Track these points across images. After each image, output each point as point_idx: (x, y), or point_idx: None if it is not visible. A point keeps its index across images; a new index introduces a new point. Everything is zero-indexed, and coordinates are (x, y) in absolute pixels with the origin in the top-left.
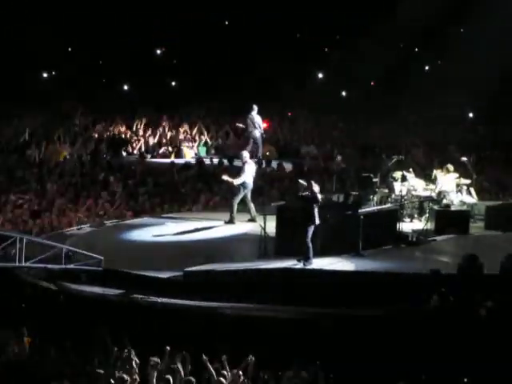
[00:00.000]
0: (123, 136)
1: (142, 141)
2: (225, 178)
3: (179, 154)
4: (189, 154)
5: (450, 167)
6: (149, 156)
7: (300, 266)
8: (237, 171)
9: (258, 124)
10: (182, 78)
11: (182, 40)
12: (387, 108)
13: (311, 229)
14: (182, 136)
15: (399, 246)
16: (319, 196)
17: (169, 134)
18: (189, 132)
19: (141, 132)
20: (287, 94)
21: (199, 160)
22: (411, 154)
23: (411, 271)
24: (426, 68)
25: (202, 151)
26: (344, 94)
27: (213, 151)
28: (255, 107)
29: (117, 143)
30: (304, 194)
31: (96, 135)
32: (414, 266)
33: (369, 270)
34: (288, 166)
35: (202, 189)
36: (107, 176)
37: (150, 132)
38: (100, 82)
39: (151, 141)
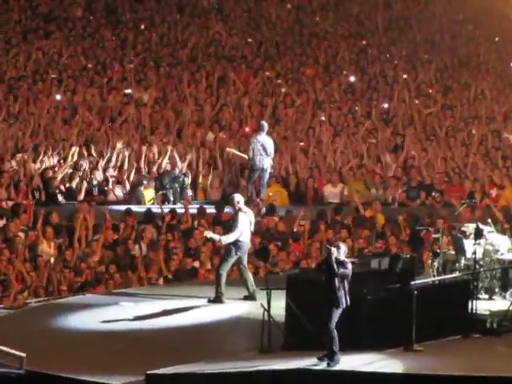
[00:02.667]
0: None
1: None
2: (208, 234)
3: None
4: (148, 196)
5: None
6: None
7: (322, 366)
8: (227, 224)
9: (266, 149)
10: None
11: None
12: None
13: (337, 312)
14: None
15: (472, 337)
16: (349, 265)
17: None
18: (155, 157)
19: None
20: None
21: (170, 209)
22: (489, 197)
23: (491, 374)
24: None
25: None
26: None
27: (189, 193)
28: (265, 125)
29: (45, 181)
30: (328, 260)
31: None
32: (495, 366)
33: (426, 373)
34: (304, 215)
35: (174, 251)
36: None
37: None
38: None
39: (98, 175)
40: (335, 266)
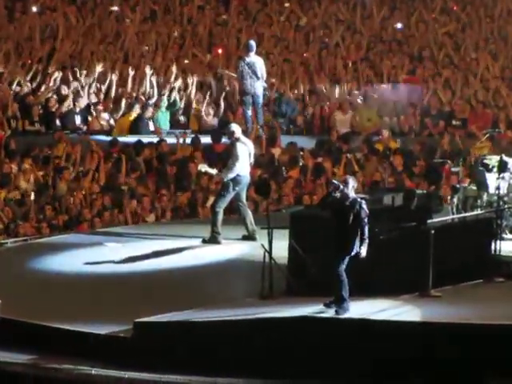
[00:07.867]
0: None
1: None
2: (203, 168)
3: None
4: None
5: None
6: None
7: (329, 313)
8: (223, 156)
9: (256, 72)
10: None
11: None
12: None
13: (347, 257)
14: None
15: (494, 281)
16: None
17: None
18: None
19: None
20: None
21: (160, 138)
22: None
23: None
24: None
25: (164, 119)
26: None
27: (182, 119)
28: (252, 45)
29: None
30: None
31: None
32: None
33: (444, 322)
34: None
35: (164, 186)
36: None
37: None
38: None
39: (82, 101)
40: (363, 215)
